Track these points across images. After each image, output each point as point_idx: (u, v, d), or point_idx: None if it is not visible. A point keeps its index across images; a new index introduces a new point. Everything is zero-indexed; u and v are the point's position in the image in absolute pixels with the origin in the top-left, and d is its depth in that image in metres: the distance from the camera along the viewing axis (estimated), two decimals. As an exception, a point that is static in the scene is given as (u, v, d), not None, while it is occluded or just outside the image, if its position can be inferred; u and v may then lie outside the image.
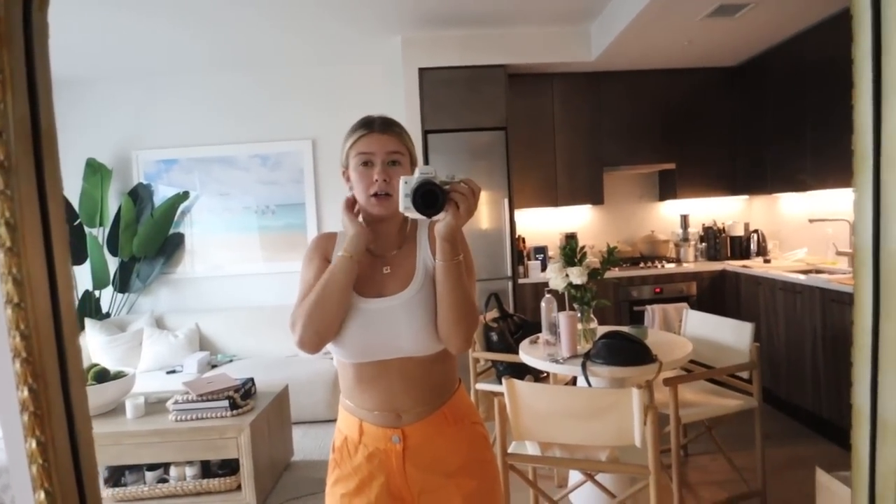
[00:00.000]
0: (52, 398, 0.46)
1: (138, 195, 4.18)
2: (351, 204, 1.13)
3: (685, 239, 4.08)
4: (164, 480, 2.53)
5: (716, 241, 4.07)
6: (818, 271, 3.23)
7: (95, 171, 4.04)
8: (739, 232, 4.03)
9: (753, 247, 3.95)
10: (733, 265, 3.72)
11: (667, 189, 4.20)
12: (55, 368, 0.46)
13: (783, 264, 3.55)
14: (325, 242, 1.17)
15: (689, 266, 3.89)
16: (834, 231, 3.36)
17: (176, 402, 2.51)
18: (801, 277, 3.02)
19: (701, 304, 3.66)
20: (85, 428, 0.48)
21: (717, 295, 3.77)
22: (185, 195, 4.23)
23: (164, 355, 3.78)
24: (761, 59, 3.70)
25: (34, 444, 0.44)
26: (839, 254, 3.28)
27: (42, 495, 0.45)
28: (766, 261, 3.73)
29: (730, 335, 2.46)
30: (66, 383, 0.47)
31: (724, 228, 4.10)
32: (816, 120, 3.18)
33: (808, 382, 2.97)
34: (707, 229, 4.13)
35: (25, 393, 0.45)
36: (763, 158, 3.73)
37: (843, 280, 2.75)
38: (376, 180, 1.07)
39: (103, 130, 4.22)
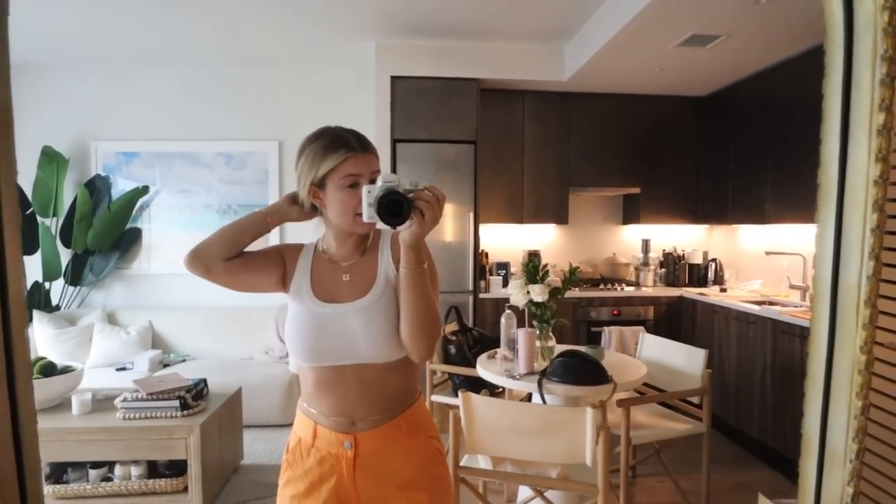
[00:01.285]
0: None
1: (95, 187, 4.02)
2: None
3: (645, 263, 4.18)
4: (108, 479, 2.46)
5: (675, 267, 4.17)
6: (771, 303, 3.33)
7: (51, 160, 3.88)
8: (698, 260, 4.15)
9: (711, 275, 4.07)
10: (690, 292, 3.81)
11: (630, 213, 4.30)
12: (1, 361, 0.43)
13: (738, 294, 3.66)
14: (294, 251, 1.19)
15: (647, 290, 3.97)
16: (789, 265, 3.48)
17: (125, 400, 2.44)
18: (755, 308, 3.11)
19: (658, 328, 3.74)
20: (29, 423, 0.46)
21: (674, 320, 3.86)
22: (145, 190, 4.10)
23: (114, 352, 3.65)
24: (730, 91, 3.83)
25: None
26: (792, 287, 3.40)
27: None
28: (723, 290, 3.84)
29: (683, 360, 2.51)
30: (11, 377, 0.44)
31: (683, 255, 4.21)
32: (778, 154, 3.30)
33: (756, 410, 3.05)
34: (667, 255, 4.23)
35: None
36: (725, 189, 3.85)
37: (794, 313, 2.84)
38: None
39: (61, 118, 4.05)
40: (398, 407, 1.12)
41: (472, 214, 3.69)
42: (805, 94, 3.03)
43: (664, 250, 4.27)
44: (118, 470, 2.44)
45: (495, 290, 3.82)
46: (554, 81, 3.81)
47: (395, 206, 0.96)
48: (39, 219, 3.86)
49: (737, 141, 3.74)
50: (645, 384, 2.48)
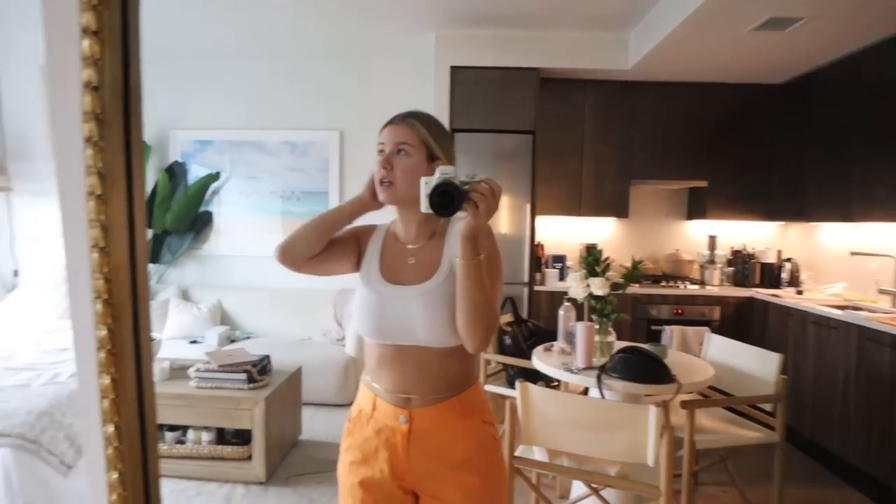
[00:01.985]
0: (125, 338, 0.49)
1: (174, 172, 4.29)
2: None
3: (711, 261, 3.99)
4: (181, 442, 2.64)
5: (744, 266, 3.96)
6: (856, 308, 3.06)
7: (136, 147, 4.16)
8: (771, 259, 3.92)
9: (785, 276, 3.83)
10: (762, 293, 3.60)
11: (696, 208, 4.11)
12: (129, 311, 0.50)
13: (817, 297, 3.41)
14: (368, 231, 1.24)
15: (713, 289, 3.79)
16: (877, 267, 3.20)
17: (198, 370, 2.61)
18: (837, 312, 2.88)
19: (723, 330, 3.54)
20: (147, 368, 0.52)
21: (742, 322, 3.66)
22: (217, 176, 4.32)
23: (187, 326, 3.91)
24: (809, 78, 3.57)
25: (108, 380, 0.47)
26: (882, 292, 3.12)
27: (111, 428, 0.48)
28: (799, 292, 3.59)
29: (754, 364, 2.36)
30: (136, 326, 0.48)
31: (753, 254, 3.99)
32: (868, 147, 3.03)
33: (836, 423, 2.83)
34: (736, 253, 4.03)
35: (104, 332, 0.48)
36: (802, 183, 3.60)
37: (884, 319, 2.60)
38: (384, 169, 1.12)
39: (147, 109, 4.28)
40: (454, 389, 1.14)
41: (528, 206, 3.65)
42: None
43: (732, 248, 4.06)
44: (190, 434, 2.62)
45: (551, 282, 3.76)
46: (617, 70, 3.69)
47: (446, 197, 0.98)
48: (125, 202, 4.17)
49: (818, 132, 3.48)
50: (711, 387, 2.38)
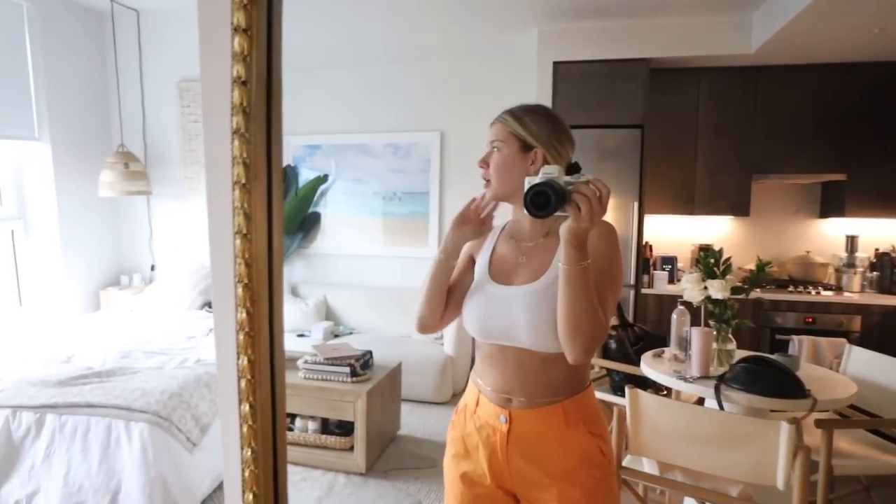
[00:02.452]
0: (261, 322, 0.52)
1: (286, 176, 4.59)
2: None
3: (850, 264, 3.52)
4: (290, 429, 2.81)
5: (893, 270, 3.45)
6: None
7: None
8: (925, 262, 3.39)
9: (944, 281, 3.29)
10: (915, 300, 3.13)
11: (831, 204, 3.65)
12: (265, 296, 0.52)
13: None
14: (479, 240, 1.23)
15: (852, 296, 3.35)
16: None
17: (306, 362, 2.76)
18: None
19: (865, 342, 3.11)
20: (280, 353, 0.54)
21: (890, 334, 3.19)
22: (325, 178, 4.57)
23: (296, 320, 4.15)
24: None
25: (245, 361, 0.50)
26: None
27: (247, 408, 0.51)
28: (962, 299, 3.09)
29: (906, 381, 2.07)
30: (271, 310, 0.50)
31: (903, 256, 3.47)
32: None
33: None
34: (881, 255, 3.52)
35: (243, 315, 0.51)
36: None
37: None
38: (486, 163, 1.14)
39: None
40: (559, 394, 1.09)
41: (636, 204, 3.46)
42: None
43: (877, 249, 3.55)
44: (298, 422, 2.78)
45: (659, 285, 3.54)
46: (737, 55, 3.37)
47: (540, 198, 0.94)
48: (244, 203, 4.56)
49: None
50: (851, 406, 2.10)
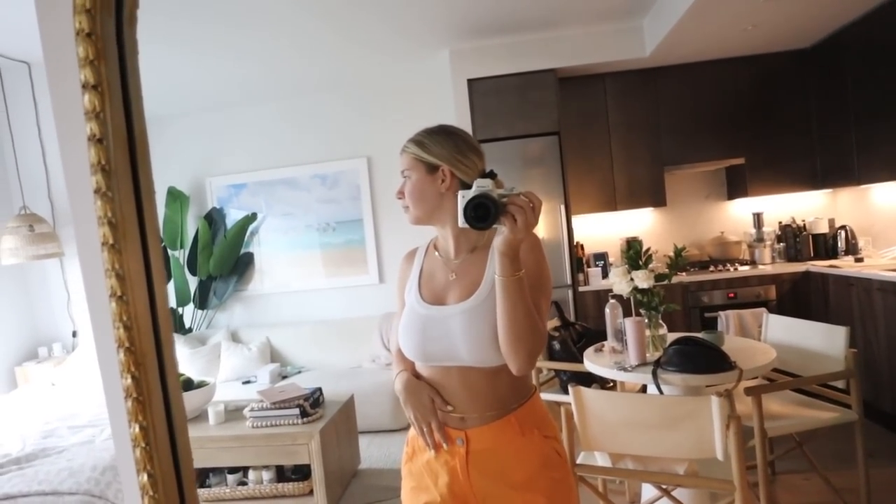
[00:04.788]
0: (151, 385, 0.50)
1: (213, 218, 4.45)
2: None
3: (759, 239, 3.81)
4: (243, 483, 2.67)
5: (796, 240, 3.77)
6: (922, 268, 2.89)
7: (175, 199, 4.35)
8: (823, 229, 3.72)
9: (841, 245, 3.62)
10: (818, 265, 3.42)
11: (736, 186, 3.95)
12: (154, 357, 0.50)
13: (879, 262, 3.22)
14: (404, 271, 1.23)
15: (765, 268, 3.62)
16: None
17: (252, 410, 2.64)
18: (903, 276, 2.71)
19: (782, 308, 3.39)
20: (180, 414, 0.51)
21: (801, 299, 3.48)
22: (254, 217, 4.45)
23: (239, 367, 3.99)
24: (839, 37, 3.41)
25: (137, 429, 0.47)
26: (946, 247, 2.94)
27: (145, 477, 0.48)
28: (858, 259, 3.39)
29: (820, 341, 2.24)
30: (162, 372, 0.48)
31: (804, 226, 3.80)
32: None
33: None
34: (785, 228, 3.84)
35: (129, 380, 0.49)
36: (848, 146, 3.41)
37: None
38: (399, 192, 1.15)
39: (181, 161, 4.53)
40: (509, 405, 1.09)
41: (562, 207, 3.59)
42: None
43: (780, 223, 3.88)
44: (251, 474, 2.65)
45: (595, 281, 3.68)
46: (634, 59, 3.62)
47: (481, 210, 0.95)
48: (170, 251, 4.33)
49: (855, 91, 3.31)
50: (775, 370, 2.26)
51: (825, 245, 3.68)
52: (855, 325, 3.02)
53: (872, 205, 3.63)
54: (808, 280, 3.47)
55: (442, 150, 1.12)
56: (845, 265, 3.29)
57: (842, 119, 3.46)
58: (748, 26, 3.19)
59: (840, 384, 2.12)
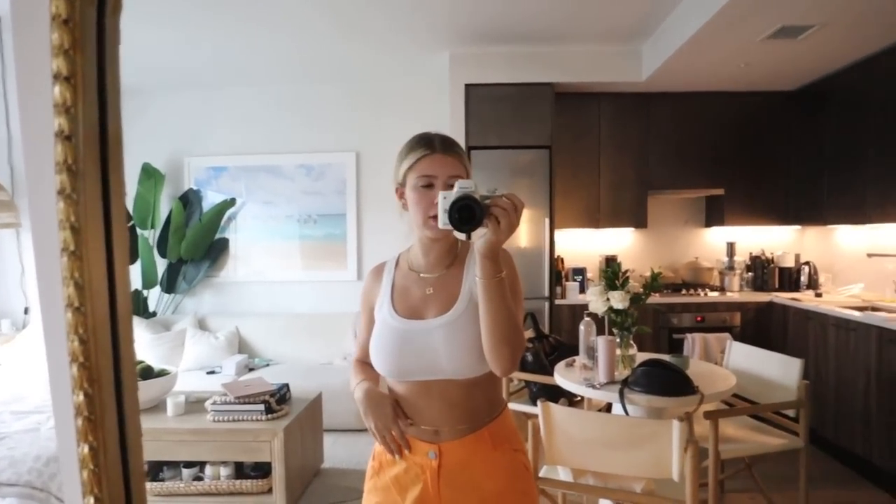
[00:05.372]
0: (105, 403, 0.46)
1: (188, 200, 4.32)
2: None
3: (731, 267, 3.92)
4: (199, 478, 2.58)
5: (763, 271, 3.89)
6: (875, 308, 3.04)
7: (150, 176, 4.20)
8: (789, 263, 3.85)
9: (804, 279, 3.76)
10: (782, 297, 3.55)
11: (714, 215, 4.06)
12: (110, 374, 0.46)
13: (836, 299, 3.37)
14: (372, 285, 1.19)
15: (733, 295, 3.73)
16: (895, 267, 3.17)
17: (214, 403, 2.55)
18: (857, 314, 2.86)
19: (745, 335, 3.50)
20: (135, 435, 0.47)
21: (763, 327, 3.60)
22: (232, 202, 4.36)
23: (204, 356, 3.87)
24: (822, 84, 3.57)
25: (86, 450, 0.44)
26: (899, 291, 3.08)
27: (91, 501, 0.45)
28: (818, 294, 3.55)
29: (776, 370, 2.34)
30: (119, 389, 0.46)
31: (772, 258, 3.92)
32: (879, 149, 3.03)
33: (859, 426, 2.80)
34: (755, 258, 3.95)
35: (81, 397, 0.45)
36: (819, 188, 3.57)
37: None
38: (436, 203, 1.01)
39: (160, 138, 4.39)
40: (483, 419, 1.10)
41: (547, 220, 3.63)
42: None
43: (751, 253, 4.00)
44: (208, 470, 2.55)
45: (572, 295, 3.72)
46: (631, 82, 3.69)
47: (467, 212, 0.93)
48: (139, 231, 4.18)
49: (831, 137, 3.47)
50: (734, 395, 2.33)
51: (790, 278, 3.81)
52: (809, 357, 3.16)
53: (836, 244, 3.79)
54: (771, 310, 3.59)
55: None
56: (806, 299, 3.42)
57: (816, 162, 3.62)
58: (741, 63, 3.29)
59: (791, 412, 2.23)
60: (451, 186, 1.00)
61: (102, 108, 0.44)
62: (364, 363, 1.22)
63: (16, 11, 0.43)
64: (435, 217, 1.02)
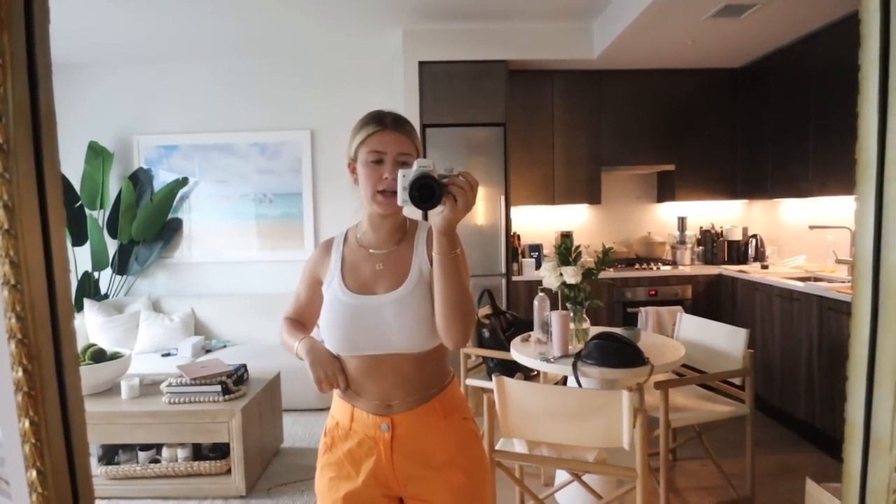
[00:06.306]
0: (45, 379, 0.47)
1: (139, 179, 4.17)
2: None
3: (682, 242, 4.07)
4: (156, 461, 2.56)
5: (713, 244, 4.05)
6: (817, 279, 3.20)
7: (97, 155, 4.03)
8: (738, 236, 4.01)
9: (751, 252, 3.93)
10: (730, 270, 3.70)
11: (665, 190, 4.18)
12: (50, 350, 0.47)
13: (781, 270, 3.53)
14: (320, 258, 1.21)
15: (685, 269, 3.88)
16: (835, 238, 3.34)
17: (170, 385, 2.53)
18: (799, 285, 3.00)
19: (696, 308, 3.65)
20: (77, 409, 0.49)
21: (713, 299, 3.76)
22: (185, 181, 4.22)
23: (159, 338, 3.79)
24: (765, 62, 3.68)
25: (27, 424, 0.45)
26: (839, 262, 3.25)
27: (34, 474, 0.46)
28: (764, 266, 3.71)
29: (724, 341, 2.45)
30: (59, 365, 0.47)
31: (721, 232, 4.08)
32: (819, 125, 3.16)
33: (802, 391, 2.96)
34: (705, 232, 4.11)
35: (20, 373, 0.46)
36: (764, 162, 3.70)
37: (841, 289, 2.72)
38: (385, 178, 1.07)
39: (106, 115, 4.20)
40: (432, 389, 1.13)
41: (503, 197, 3.66)
42: (845, 62, 2.87)
43: (701, 227, 4.15)
44: (165, 452, 2.54)
45: (528, 272, 3.79)
46: (583, 60, 3.72)
47: (426, 190, 0.96)
48: (87, 211, 4.02)
49: (775, 113, 3.59)
50: (684, 366, 2.44)
51: (738, 251, 3.98)
52: (756, 327, 3.31)
53: (781, 217, 3.96)
54: (720, 282, 3.75)
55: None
56: (753, 271, 3.58)
57: (760, 137, 3.75)
58: (688, 41, 3.36)
59: (737, 381, 2.34)
60: (402, 164, 1.05)
61: (33, 87, 0.43)
62: (296, 321, 1.26)
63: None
64: (382, 192, 1.07)
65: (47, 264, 0.45)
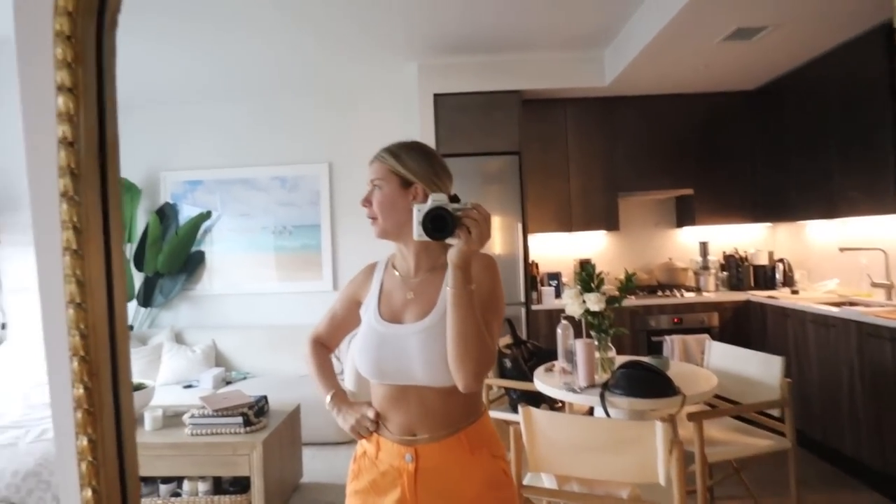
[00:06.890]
0: (104, 397, 0.48)
1: (165, 214, 4.28)
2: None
3: (705, 267, 4.00)
4: (176, 494, 2.54)
5: (738, 269, 3.97)
6: (852, 303, 3.08)
7: (127, 190, 4.17)
8: (763, 261, 3.93)
9: (779, 276, 3.83)
10: (758, 295, 3.60)
11: (684, 215, 4.14)
12: (108, 369, 0.49)
13: (813, 295, 3.42)
14: (363, 281, 1.23)
15: (709, 295, 3.79)
16: (868, 261, 3.21)
17: (192, 416, 2.52)
18: (834, 310, 2.88)
19: (724, 335, 3.54)
20: (130, 428, 0.50)
21: (741, 327, 3.65)
22: (208, 214, 4.31)
23: (181, 370, 3.82)
24: (781, 82, 3.65)
25: (85, 442, 0.45)
26: (874, 285, 3.12)
27: (89, 493, 0.46)
28: (794, 291, 3.60)
29: (757, 369, 2.34)
30: (116, 384, 0.46)
31: (746, 257, 4.00)
32: (845, 142, 3.09)
33: (846, 424, 2.79)
34: (728, 257, 4.04)
35: (81, 391, 0.47)
36: (787, 183, 3.64)
37: (881, 313, 2.60)
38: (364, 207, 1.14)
39: (136, 152, 4.34)
40: (460, 423, 1.10)
41: (520, 225, 3.66)
42: (869, 77, 2.85)
43: (724, 252, 4.08)
44: (186, 485, 2.52)
45: (548, 300, 3.75)
46: (594, 87, 3.76)
47: (439, 221, 0.98)
48: (115, 246, 4.13)
49: (793, 133, 3.54)
50: (716, 396, 2.34)
51: (764, 276, 3.88)
52: (790, 355, 3.17)
53: (808, 240, 3.86)
54: (749, 309, 3.66)
55: (419, 167, 1.13)
56: (782, 296, 3.48)
57: (781, 158, 3.69)
58: (701, 66, 3.38)
59: (775, 412, 2.22)
60: (374, 189, 1.13)
61: (101, 117, 0.45)
62: (321, 346, 1.28)
63: (19, 29, 0.44)
64: (370, 218, 1.14)
65: (108, 286, 0.46)
